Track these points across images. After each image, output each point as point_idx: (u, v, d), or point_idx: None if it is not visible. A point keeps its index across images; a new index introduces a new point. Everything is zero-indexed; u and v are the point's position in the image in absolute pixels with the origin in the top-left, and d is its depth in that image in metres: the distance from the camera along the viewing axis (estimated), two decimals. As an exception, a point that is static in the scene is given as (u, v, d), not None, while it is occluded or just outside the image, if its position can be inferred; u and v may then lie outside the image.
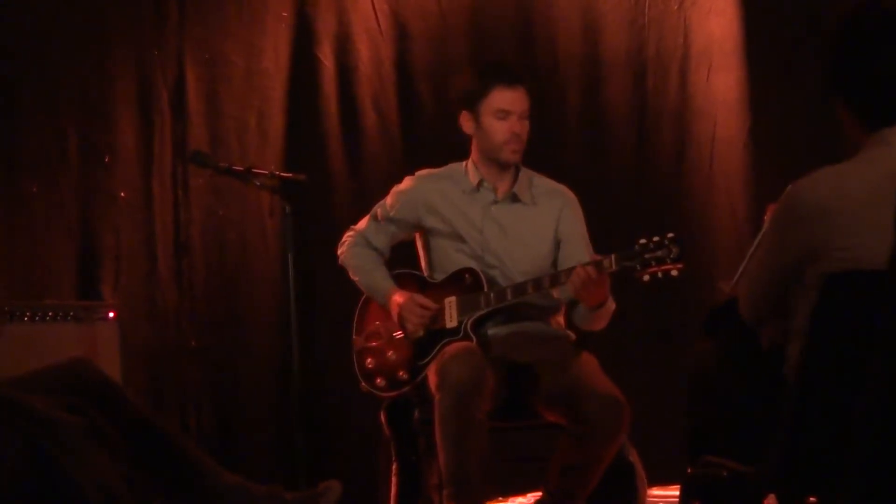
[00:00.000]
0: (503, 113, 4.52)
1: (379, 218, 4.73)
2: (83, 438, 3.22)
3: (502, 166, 4.61)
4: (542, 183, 4.71)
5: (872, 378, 2.23)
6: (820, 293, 2.90)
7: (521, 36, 6.12)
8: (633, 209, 6.01)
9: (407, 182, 4.75)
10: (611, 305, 4.38)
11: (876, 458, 2.24)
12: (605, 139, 6.12)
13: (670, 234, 4.11)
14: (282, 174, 4.47)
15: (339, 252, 4.80)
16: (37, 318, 5.04)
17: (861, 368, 2.62)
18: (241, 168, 4.54)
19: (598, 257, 4.24)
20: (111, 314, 5.22)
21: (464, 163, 4.70)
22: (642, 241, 4.13)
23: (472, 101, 4.59)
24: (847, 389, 2.73)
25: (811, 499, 2.97)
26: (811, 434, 2.85)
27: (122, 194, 5.75)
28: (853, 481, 2.36)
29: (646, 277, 4.12)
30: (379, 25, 6.01)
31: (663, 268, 4.09)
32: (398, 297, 4.56)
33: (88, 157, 5.72)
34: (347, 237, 4.80)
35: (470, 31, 6.10)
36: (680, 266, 4.09)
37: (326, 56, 5.97)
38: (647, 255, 4.10)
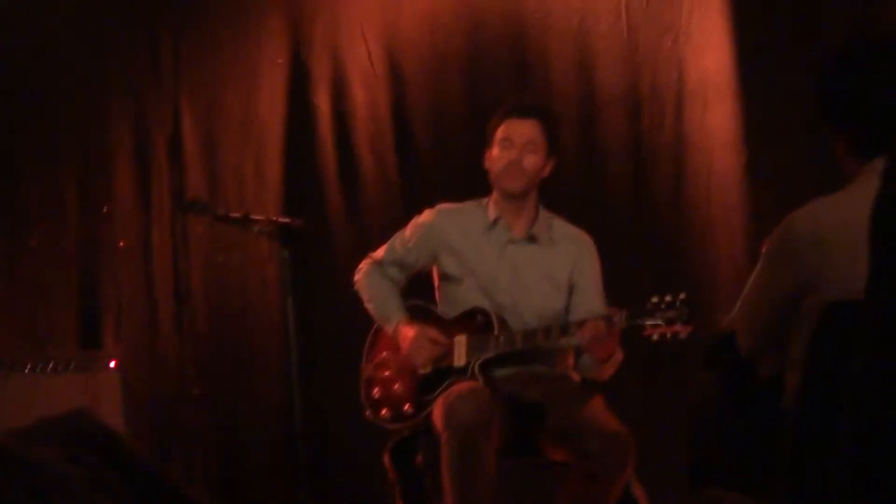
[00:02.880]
0: (506, 142, 4.56)
1: (396, 248, 4.73)
2: (88, 491, 3.22)
3: (510, 198, 4.61)
4: (562, 226, 4.72)
5: (858, 406, 2.27)
6: (817, 323, 2.92)
7: (516, 75, 6.09)
8: (631, 246, 5.95)
9: (426, 215, 4.75)
10: (618, 356, 4.39)
11: (870, 485, 2.27)
12: (601, 176, 6.06)
13: (682, 295, 4.12)
14: (280, 220, 4.45)
15: (355, 278, 4.79)
16: (38, 369, 5.04)
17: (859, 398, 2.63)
18: (238, 215, 4.51)
19: (610, 311, 4.25)
20: (113, 363, 5.22)
21: (485, 198, 4.72)
22: (654, 299, 4.14)
23: (490, 137, 4.64)
24: (846, 418, 2.74)
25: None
26: (811, 464, 2.87)
27: (122, 243, 5.76)
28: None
29: (654, 336, 4.13)
30: (373, 68, 6.01)
31: (673, 329, 4.10)
32: (409, 331, 4.56)
33: (87, 208, 5.72)
34: (364, 264, 4.78)
35: (465, 71, 6.09)
36: (690, 329, 4.10)
37: (322, 101, 6.00)
38: (657, 315, 4.12)
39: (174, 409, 5.72)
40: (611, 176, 6.04)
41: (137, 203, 5.79)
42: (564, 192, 5.93)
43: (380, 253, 4.77)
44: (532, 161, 4.57)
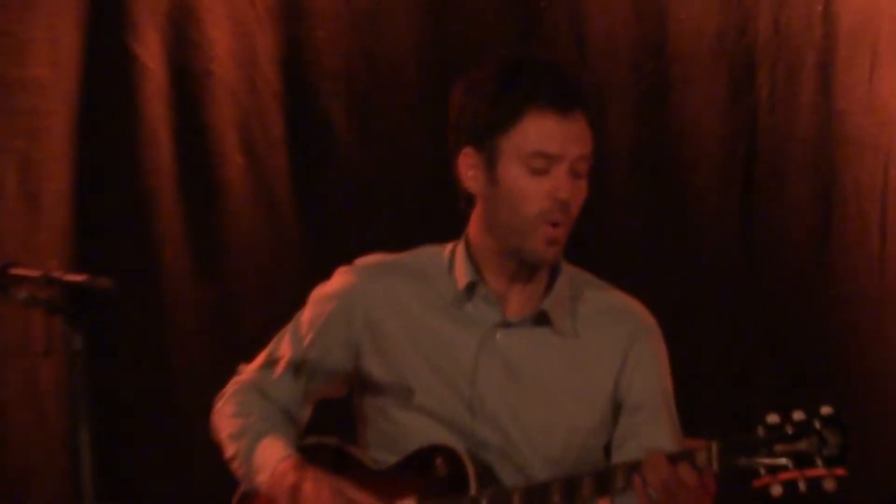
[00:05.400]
0: (545, 159, 4.42)
1: (284, 347, 4.73)
2: None
3: (526, 264, 4.54)
4: (598, 295, 4.68)
5: None
6: None
7: (525, 8, 6.09)
8: (733, 326, 5.98)
9: (339, 279, 4.72)
10: None
11: None
12: (682, 195, 6.10)
13: (825, 410, 4.08)
14: (67, 278, 4.33)
15: (213, 410, 4.77)
16: None
17: None
18: (-13, 268, 4.40)
19: (696, 444, 4.21)
20: None
21: (448, 247, 4.67)
22: (772, 419, 4.11)
23: (487, 130, 4.48)
24: None
25: None
26: None
27: None
28: None
29: (776, 489, 4.08)
30: (252, -9, 5.92)
31: (810, 473, 4.06)
32: (295, 479, 4.48)
33: None
34: (228, 388, 4.77)
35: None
36: (840, 473, 4.05)
37: (149, 51, 6.21)
38: (779, 448, 4.09)
39: None
40: (698, 194, 6.02)
41: None
42: (615, 226, 5.86)
43: (254, 365, 4.78)
44: (581, 194, 4.48)
